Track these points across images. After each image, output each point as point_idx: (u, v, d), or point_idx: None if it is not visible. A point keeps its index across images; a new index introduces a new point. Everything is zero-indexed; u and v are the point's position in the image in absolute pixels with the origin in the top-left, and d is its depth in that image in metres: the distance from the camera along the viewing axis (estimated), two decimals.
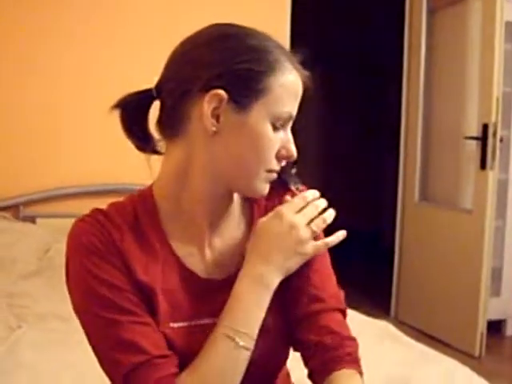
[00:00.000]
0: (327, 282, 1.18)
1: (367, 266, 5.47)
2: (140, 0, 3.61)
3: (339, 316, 1.16)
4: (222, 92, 1.02)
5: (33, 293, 2.54)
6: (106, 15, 3.52)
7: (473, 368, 2.07)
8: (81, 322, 1.06)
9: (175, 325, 1.07)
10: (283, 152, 1.08)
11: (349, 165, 6.61)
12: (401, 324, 4.09)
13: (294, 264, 1.10)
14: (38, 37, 3.40)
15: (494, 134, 3.59)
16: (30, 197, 3.34)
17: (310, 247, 1.10)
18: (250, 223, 1.18)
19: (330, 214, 1.13)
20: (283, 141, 1.08)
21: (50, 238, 3.05)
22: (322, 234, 1.15)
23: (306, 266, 1.14)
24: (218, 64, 1.03)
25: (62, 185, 3.40)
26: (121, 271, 1.04)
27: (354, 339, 1.15)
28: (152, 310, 1.05)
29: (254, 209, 1.19)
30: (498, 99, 3.58)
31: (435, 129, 4.24)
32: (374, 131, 6.71)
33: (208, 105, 1.03)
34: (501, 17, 3.54)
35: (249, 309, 1.06)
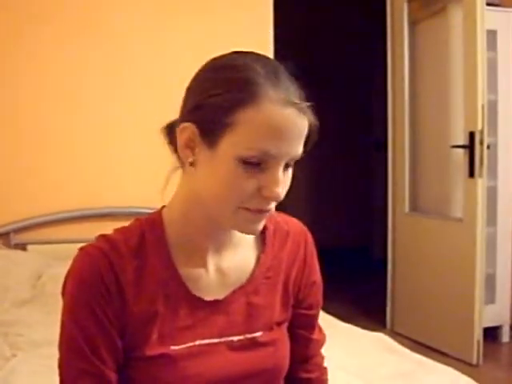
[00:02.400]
0: (317, 318, 1.30)
1: (360, 280, 5.46)
2: (127, 13, 3.62)
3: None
4: (189, 125, 1.03)
5: (27, 320, 2.53)
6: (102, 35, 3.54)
7: (471, 376, 2.07)
8: (61, 330, 1.08)
9: (176, 347, 1.07)
10: (264, 192, 1.00)
11: (336, 180, 6.63)
12: (397, 335, 4.08)
13: None
14: (29, 54, 3.41)
15: (481, 142, 3.61)
16: (20, 224, 3.33)
17: None
18: (262, 247, 1.19)
19: None
20: (266, 180, 0.99)
21: (42, 264, 3.04)
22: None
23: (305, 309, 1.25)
24: (196, 96, 1.03)
25: (51, 211, 3.39)
26: (114, 310, 1.05)
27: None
28: (148, 336, 1.06)
29: (266, 233, 1.20)
30: (483, 107, 3.60)
31: (422, 139, 4.27)
32: (360, 144, 6.74)
33: (180, 137, 1.05)
34: (482, 25, 3.57)
35: None
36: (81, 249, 1.10)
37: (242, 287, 1.15)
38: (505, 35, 4.02)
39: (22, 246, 3.31)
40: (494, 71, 3.95)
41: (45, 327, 2.43)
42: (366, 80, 6.57)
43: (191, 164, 1.05)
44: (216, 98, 1.00)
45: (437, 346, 3.90)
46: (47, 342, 2.27)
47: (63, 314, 1.08)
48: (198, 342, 1.09)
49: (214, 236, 1.13)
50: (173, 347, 1.07)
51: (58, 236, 3.38)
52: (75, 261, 1.09)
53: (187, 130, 1.03)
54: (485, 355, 3.67)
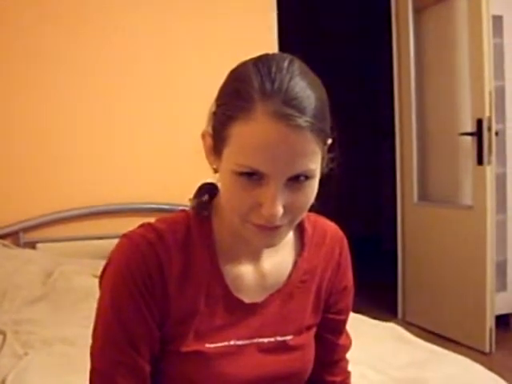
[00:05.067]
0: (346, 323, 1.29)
1: (370, 270, 5.45)
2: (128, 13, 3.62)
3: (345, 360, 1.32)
4: (206, 132, 1.03)
5: (38, 318, 2.52)
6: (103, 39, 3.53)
7: (484, 364, 2.06)
8: (96, 317, 1.07)
9: (211, 345, 1.07)
10: (262, 210, 0.95)
11: (343, 170, 6.60)
12: (409, 325, 4.08)
13: None
14: (32, 61, 3.41)
15: (489, 129, 3.59)
16: (29, 223, 3.33)
17: None
18: (300, 251, 1.18)
19: None
20: (262, 196, 0.95)
21: (52, 262, 3.04)
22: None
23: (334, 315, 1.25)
24: (214, 103, 1.02)
25: (59, 209, 3.40)
26: (156, 302, 1.04)
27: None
28: (185, 332, 1.06)
29: (305, 236, 1.18)
30: (490, 93, 3.58)
31: (430, 128, 4.25)
32: (368, 134, 6.72)
33: (203, 143, 1.05)
34: (487, 11, 3.55)
35: None
36: (124, 236, 1.07)
37: (278, 290, 1.14)
38: (511, 20, 3.98)
39: (32, 245, 3.31)
40: (500, 57, 3.92)
41: (56, 325, 2.43)
42: (373, 70, 6.54)
43: (215, 171, 1.04)
44: (219, 108, 0.99)
45: (449, 334, 3.89)
46: (59, 339, 2.27)
47: (101, 301, 1.06)
48: (232, 342, 1.09)
49: (249, 243, 1.10)
50: (207, 345, 1.07)
51: (67, 234, 3.39)
52: (118, 247, 1.07)
53: (206, 138, 1.04)
54: (497, 343, 3.65)
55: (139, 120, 3.62)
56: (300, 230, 1.18)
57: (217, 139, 0.99)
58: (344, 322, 1.27)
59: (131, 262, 1.03)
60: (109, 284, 1.05)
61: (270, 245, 1.04)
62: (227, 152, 0.96)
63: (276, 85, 0.93)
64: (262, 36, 3.77)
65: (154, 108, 3.65)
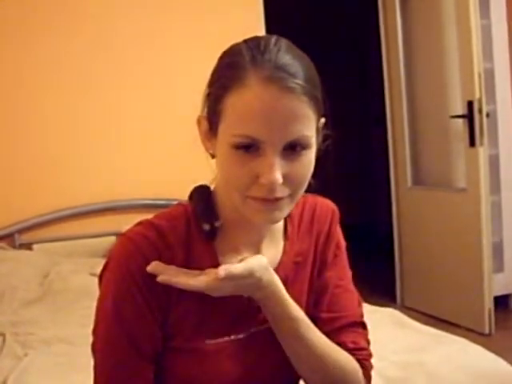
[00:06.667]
0: (340, 299, 1.19)
1: (367, 256, 5.46)
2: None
3: (355, 330, 1.18)
4: (201, 117, 1.05)
5: (36, 319, 2.52)
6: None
7: (484, 345, 2.07)
8: (96, 317, 1.07)
9: (211, 341, 1.07)
10: (260, 179, 0.96)
11: (335, 157, 6.59)
12: (408, 310, 4.09)
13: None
14: (31, 60, 3.42)
15: (480, 111, 3.59)
16: (24, 224, 3.33)
17: None
18: (285, 241, 1.17)
19: None
20: (260, 167, 0.96)
21: (49, 262, 3.04)
22: None
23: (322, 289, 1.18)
24: (207, 86, 1.04)
25: (54, 208, 3.39)
26: (158, 302, 1.03)
27: (364, 348, 1.18)
28: (185, 329, 1.06)
29: (288, 226, 1.17)
30: (479, 75, 3.57)
31: (421, 112, 4.24)
32: (358, 120, 6.72)
33: (199, 130, 1.06)
34: None
35: None
36: (123, 235, 1.06)
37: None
38: (498, 1, 3.97)
39: (28, 246, 3.31)
40: (488, 39, 3.91)
41: (55, 325, 2.43)
42: (362, 54, 6.54)
43: (212, 156, 1.04)
44: (213, 86, 1.01)
45: (448, 318, 3.90)
46: (58, 339, 2.28)
47: (101, 301, 1.06)
48: (232, 337, 1.09)
49: (250, 228, 1.10)
50: (208, 341, 1.07)
51: (62, 233, 3.38)
52: (118, 247, 1.05)
53: (202, 123, 1.05)
54: (496, 324, 3.67)
55: (134, 117, 3.62)
56: (284, 221, 1.17)
57: (212, 117, 1.00)
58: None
59: (132, 262, 1.02)
60: (109, 285, 1.04)
61: (272, 220, 1.02)
62: (223, 127, 0.98)
63: (266, 55, 0.96)
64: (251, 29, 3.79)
65: (149, 103, 3.65)
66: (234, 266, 1.01)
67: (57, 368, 2.02)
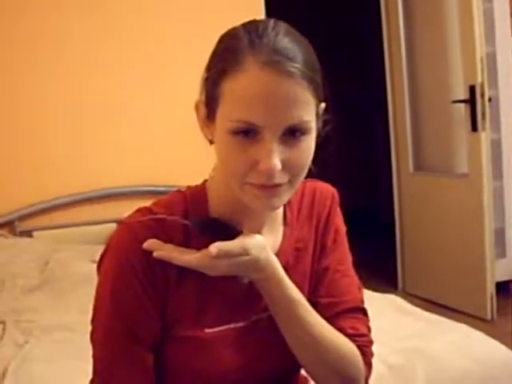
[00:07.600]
0: (340, 285, 1.17)
1: (368, 242, 5.45)
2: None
3: (355, 315, 1.16)
4: (199, 103, 1.03)
5: (37, 306, 2.53)
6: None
7: (486, 331, 2.07)
8: (95, 305, 1.06)
9: (210, 330, 1.06)
10: (259, 165, 0.94)
11: (337, 143, 6.57)
12: (409, 296, 4.08)
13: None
14: (26, 45, 3.40)
15: (482, 95, 3.57)
16: (24, 211, 3.32)
17: None
18: (285, 227, 1.15)
19: None
20: (259, 152, 0.94)
21: (49, 249, 3.04)
22: None
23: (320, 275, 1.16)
24: (205, 70, 1.02)
25: (54, 196, 3.38)
26: (157, 290, 1.02)
27: (365, 335, 1.16)
28: (184, 317, 1.05)
29: (287, 212, 1.16)
30: (482, 59, 3.55)
31: (422, 96, 4.22)
32: (360, 105, 6.69)
33: (197, 116, 1.04)
34: None
35: None
36: (121, 222, 1.05)
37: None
38: None
39: (28, 233, 3.31)
40: (491, 23, 3.88)
41: (55, 312, 2.43)
42: (365, 40, 6.50)
43: (210, 142, 1.03)
44: (211, 70, 0.99)
45: (450, 304, 3.90)
46: (59, 326, 2.28)
47: (99, 290, 1.05)
48: (232, 325, 1.08)
49: (249, 215, 1.08)
50: (207, 330, 1.05)
51: (63, 221, 3.38)
52: (116, 234, 1.05)
53: (200, 108, 1.03)
54: (498, 310, 3.66)
55: (134, 104, 3.61)
56: (283, 207, 1.16)
57: (210, 102, 0.99)
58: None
59: (130, 250, 1.01)
60: (108, 273, 1.03)
61: (271, 207, 1.01)
62: (221, 112, 0.96)
63: (264, 39, 0.94)
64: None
65: (149, 90, 3.63)
66: (226, 243, 1.00)
67: (58, 355, 2.02)
